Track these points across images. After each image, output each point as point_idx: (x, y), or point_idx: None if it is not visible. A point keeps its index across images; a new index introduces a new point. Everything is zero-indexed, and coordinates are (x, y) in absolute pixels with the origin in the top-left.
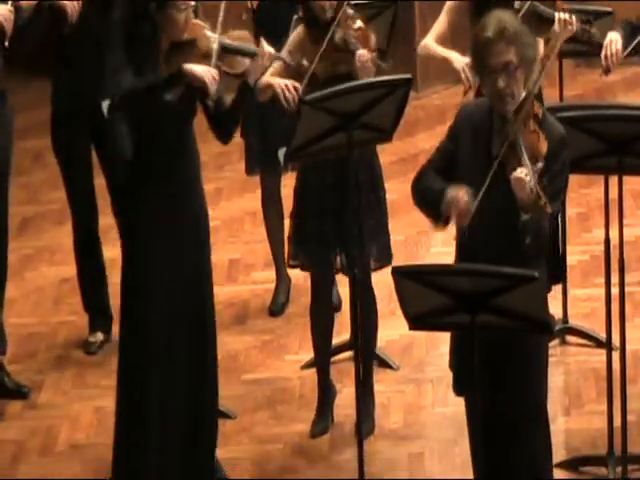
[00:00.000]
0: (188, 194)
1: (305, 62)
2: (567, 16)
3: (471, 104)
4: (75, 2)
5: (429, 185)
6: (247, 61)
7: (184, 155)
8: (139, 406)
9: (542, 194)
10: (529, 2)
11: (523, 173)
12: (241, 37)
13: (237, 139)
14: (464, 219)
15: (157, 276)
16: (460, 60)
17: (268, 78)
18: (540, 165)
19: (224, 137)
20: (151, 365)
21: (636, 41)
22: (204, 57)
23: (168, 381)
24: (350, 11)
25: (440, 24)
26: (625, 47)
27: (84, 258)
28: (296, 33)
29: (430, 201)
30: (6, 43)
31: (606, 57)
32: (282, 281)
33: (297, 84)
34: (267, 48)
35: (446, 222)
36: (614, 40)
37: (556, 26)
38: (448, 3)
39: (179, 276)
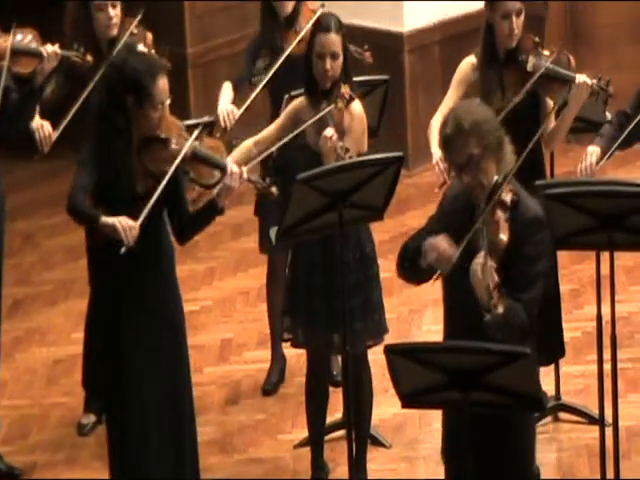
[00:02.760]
0: (163, 284)
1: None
2: (585, 78)
3: (458, 183)
4: (47, 134)
5: (410, 244)
6: (216, 173)
7: (158, 247)
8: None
9: (493, 292)
10: (544, 67)
11: (478, 264)
12: (214, 147)
13: (232, 218)
14: (445, 263)
15: (135, 361)
16: (436, 155)
17: None
18: (493, 264)
19: (182, 240)
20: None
21: (614, 147)
22: (173, 157)
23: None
24: (346, 89)
25: (448, 99)
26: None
27: (95, 335)
28: (298, 101)
29: (410, 255)
30: None
31: (580, 171)
32: (277, 360)
33: None
34: (235, 168)
35: (430, 274)
36: (590, 152)
37: (575, 88)
38: (455, 77)
39: (156, 359)
